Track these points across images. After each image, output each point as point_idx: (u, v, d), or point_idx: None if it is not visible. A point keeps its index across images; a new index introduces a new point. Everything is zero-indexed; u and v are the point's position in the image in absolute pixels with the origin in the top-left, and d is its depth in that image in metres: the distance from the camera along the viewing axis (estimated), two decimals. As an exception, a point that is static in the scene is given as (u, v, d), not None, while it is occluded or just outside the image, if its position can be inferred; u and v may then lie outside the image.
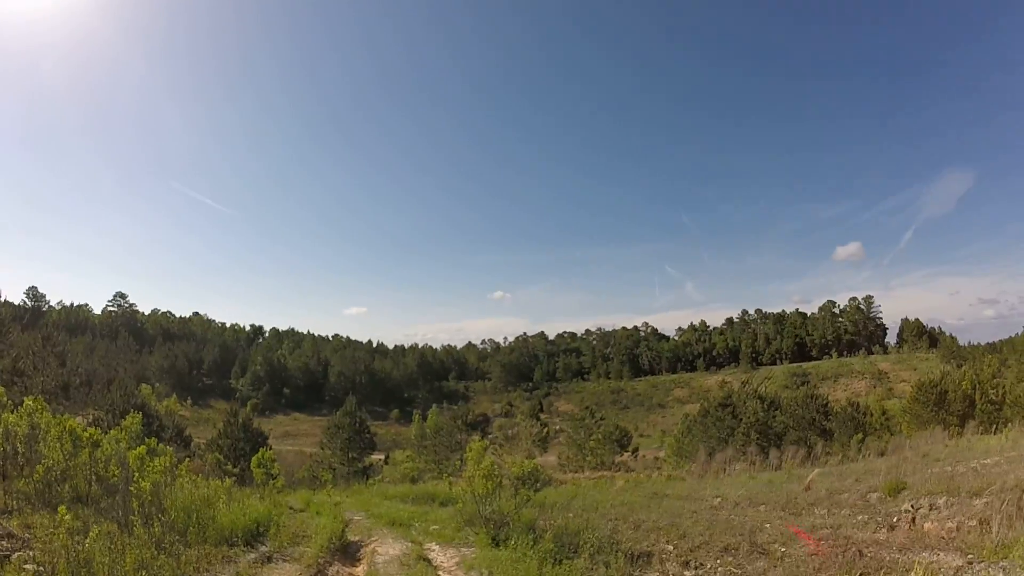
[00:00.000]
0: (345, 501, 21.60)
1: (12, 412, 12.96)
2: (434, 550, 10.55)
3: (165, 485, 11.53)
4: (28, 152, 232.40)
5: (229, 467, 26.63)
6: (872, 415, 38.17)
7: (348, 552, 11.12)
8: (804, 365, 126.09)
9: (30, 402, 13.13)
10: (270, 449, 40.39)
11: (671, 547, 10.23)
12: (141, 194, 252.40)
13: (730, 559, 9.56)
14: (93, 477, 11.73)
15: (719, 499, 15.65)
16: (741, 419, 39.96)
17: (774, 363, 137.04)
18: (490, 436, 53.93)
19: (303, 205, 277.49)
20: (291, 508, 17.26)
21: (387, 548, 10.65)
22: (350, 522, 15.13)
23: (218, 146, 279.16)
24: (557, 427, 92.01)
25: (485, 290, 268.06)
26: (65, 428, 12.40)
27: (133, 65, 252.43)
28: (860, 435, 32.71)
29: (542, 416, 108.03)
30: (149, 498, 9.69)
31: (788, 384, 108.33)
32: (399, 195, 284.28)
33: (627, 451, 51.39)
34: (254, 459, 18.80)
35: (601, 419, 51.23)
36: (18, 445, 11.26)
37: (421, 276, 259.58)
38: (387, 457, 67.59)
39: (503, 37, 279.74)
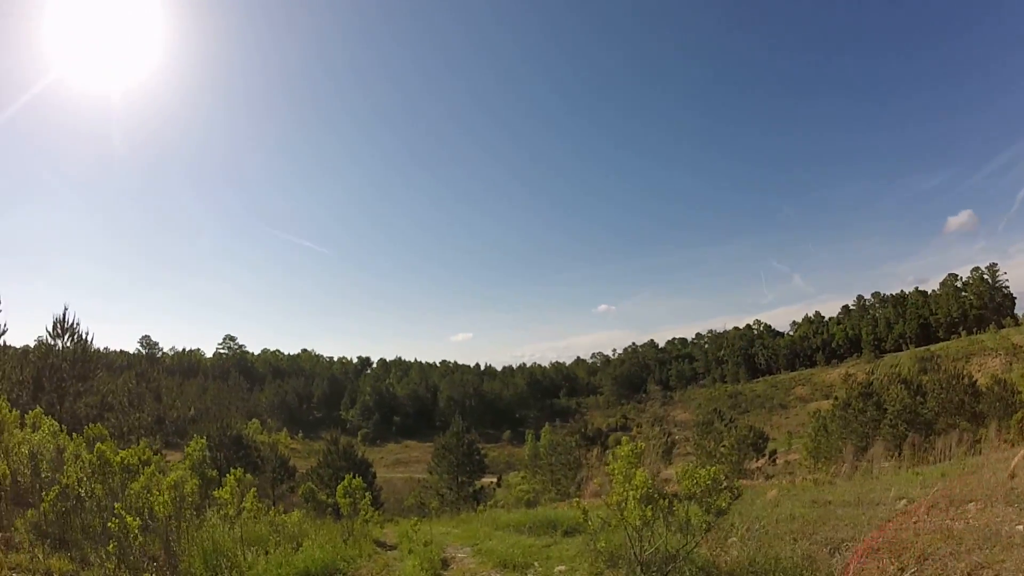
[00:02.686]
0: (450, 532, 18.27)
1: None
2: (565, 610, 6.92)
3: (193, 522, 8.63)
4: (141, 212, 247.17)
5: (323, 497, 24.04)
6: (1021, 393, 32.67)
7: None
8: (931, 347, 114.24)
9: (53, 423, 10.78)
10: (374, 476, 38.01)
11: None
12: (244, 243, 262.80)
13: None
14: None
15: (904, 501, 11.68)
16: (886, 409, 34.70)
17: (899, 349, 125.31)
18: (608, 451, 49.69)
19: (397, 239, 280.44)
20: (380, 545, 14.01)
21: (495, 610, 7.09)
22: (451, 562, 11.70)
23: (309, 192, 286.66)
24: (675, 437, 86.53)
25: (589, 305, 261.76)
26: (94, 451, 9.79)
27: (223, 126, 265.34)
28: (1020, 414, 27.51)
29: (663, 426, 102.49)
30: (138, 539, 6.63)
31: (917, 370, 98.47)
32: (492, 222, 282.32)
33: (763, 455, 45.94)
34: (339, 487, 15.68)
35: (731, 421, 46.06)
36: (41, 469, 9.57)
37: (524, 297, 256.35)
38: (500, 480, 64.43)
39: (571, 38, 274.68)
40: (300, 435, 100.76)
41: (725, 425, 45.23)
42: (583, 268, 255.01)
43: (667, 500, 6.04)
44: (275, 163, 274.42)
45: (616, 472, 6.34)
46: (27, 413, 17.96)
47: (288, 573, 6.97)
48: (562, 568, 9.04)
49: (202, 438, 16.43)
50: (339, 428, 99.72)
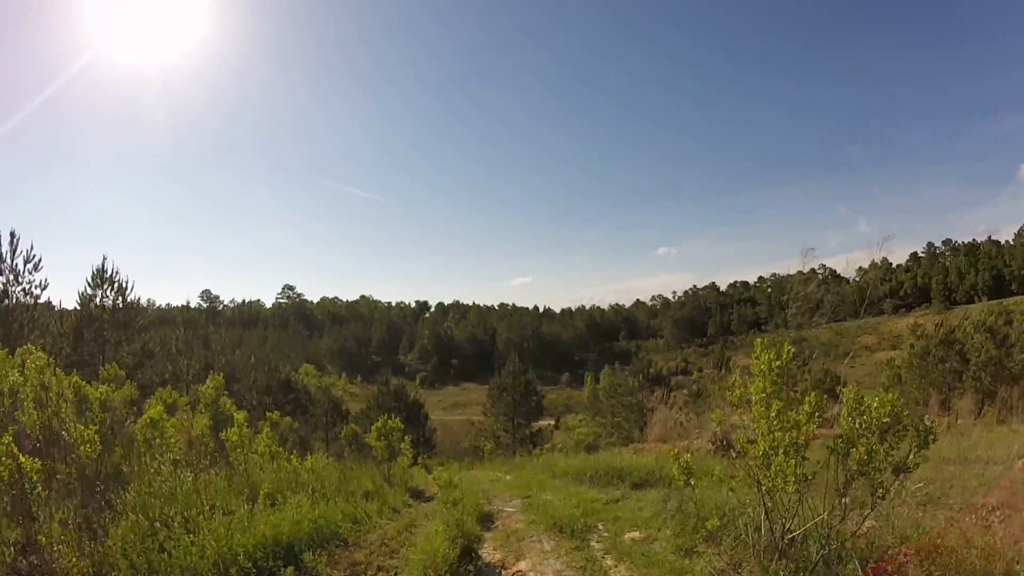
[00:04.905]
0: (500, 479, 16.29)
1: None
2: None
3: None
4: (199, 171, 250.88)
5: (368, 440, 22.34)
6: (1103, 354, 29.28)
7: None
8: (1005, 301, 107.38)
9: (36, 351, 8.90)
10: (426, 418, 36.58)
11: None
12: (299, 195, 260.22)
13: None
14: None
15: (1023, 460, 9.61)
16: (969, 360, 31.18)
17: (970, 301, 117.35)
18: (673, 392, 47.33)
19: (454, 185, 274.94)
20: (416, 496, 12.06)
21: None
22: (496, 517, 9.60)
23: (364, 141, 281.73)
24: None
25: (649, 247, 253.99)
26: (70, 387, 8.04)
27: (273, 84, 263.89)
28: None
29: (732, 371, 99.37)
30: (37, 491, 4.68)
31: (1002, 321, 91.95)
32: (549, 165, 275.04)
33: (840, 402, 42.77)
34: (374, 428, 13.90)
35: (804, 363, 42.97)
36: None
37: (583, 241, 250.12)
38: (558, 422, 62.92)
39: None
40: (359, 379, 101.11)
41: (798, 367, 42.17)
42: (643, 210, 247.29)
43: (861, 450, 3.63)
44: (326, 114, 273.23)
45: (755, 399, 3.95)
46: (70, 365, 16.84)
47: (243, 544, 4.85)
48: (635, 535, 6.77)
49: (219, 375, 14.79)
50: (398, 372, 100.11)
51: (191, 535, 4.78)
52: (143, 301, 30.63)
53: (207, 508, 5.44)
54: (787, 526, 3.91)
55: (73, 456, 5.52)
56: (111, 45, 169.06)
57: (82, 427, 5.68)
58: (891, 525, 5.07)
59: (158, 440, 8.09)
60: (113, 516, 5.42)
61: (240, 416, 11.87)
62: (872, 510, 4.08)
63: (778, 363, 4.02)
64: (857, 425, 3.80)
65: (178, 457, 8.18)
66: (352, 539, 6.43)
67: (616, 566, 5.90)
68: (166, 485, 5.88)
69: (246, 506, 6.07)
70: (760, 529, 4.18)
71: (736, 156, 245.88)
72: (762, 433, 3.86)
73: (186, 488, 5.89)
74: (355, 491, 9.06)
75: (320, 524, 6.13)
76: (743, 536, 4.82)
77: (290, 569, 4.80)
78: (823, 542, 4.01)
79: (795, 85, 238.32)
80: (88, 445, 5.66)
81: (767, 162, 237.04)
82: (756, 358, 4.19)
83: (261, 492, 6.80)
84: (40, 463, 5.46)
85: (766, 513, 4.02)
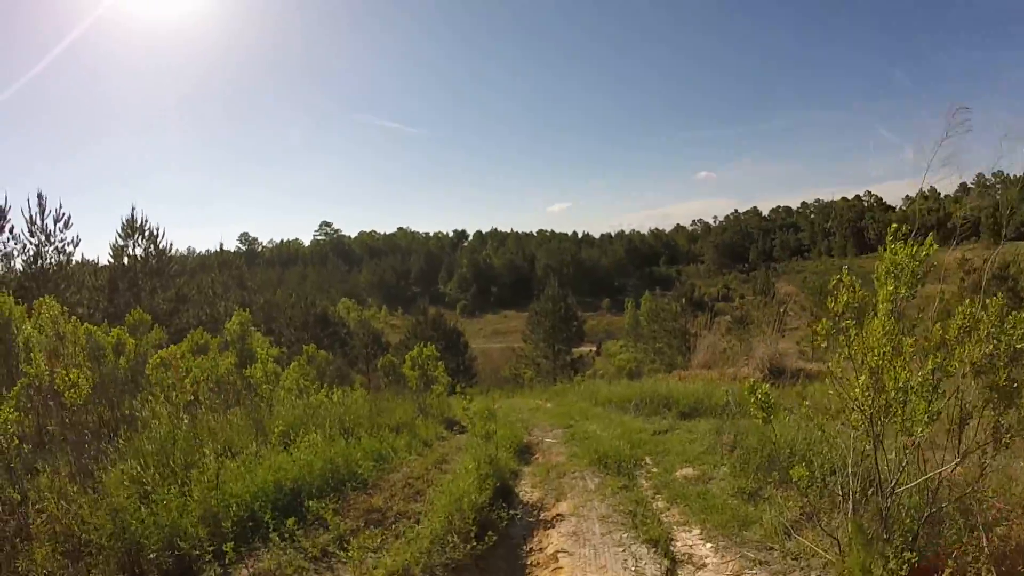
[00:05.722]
0: (540, 407, 15.74)
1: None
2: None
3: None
4: (230, 116, 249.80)
5: (405, 370, 21.90)
6: None
7: (501, 550, 4.77)
8: None
9: (50, 301, 8.48)
10: (466, 346, 36.25)
11: None
12: (332, 132, 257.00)
13: None
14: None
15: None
16: (1023, 297, 29.37)
17: (1020, 238, 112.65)
18: (716, 319, 46.28)
19: (487, 113, 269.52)
20: (451, 427, 11.49)
21: (585, 560, 4.15)
22: (535, 449, 8.99)
23: (395, 74, 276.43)
24: (781, 310, 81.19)
25: (689, 171, 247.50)
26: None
27: (298, 25, 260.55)
28: None
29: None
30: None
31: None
32: (584, 89, 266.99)
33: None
34: (408, 357, 13.15)
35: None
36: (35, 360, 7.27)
37: (622, 163, 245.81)
38: (599, 348, 62.50)
39: None
40: (399, 311, 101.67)
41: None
42: (682, 133, 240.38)
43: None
44: (358, 49, 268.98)
45: (881, 308, 3.08)
46: (107, 317, 16.65)
47: (237, 493, 4.23)
48: (688, 473, 6.04)
49: (246, 311, 14.31)
50: (437, 302, 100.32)
51: (179, 485, 4.16)
52: (182, 250, 30.55)
53: (206, 452, 4.82)
54: (898, 477, 3.10)
55: (50, 404, 4.97)
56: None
57: (63, 371, 5.07)
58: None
59: (168, 381, 7.58)
60: (104, 467, 4.87)
61: (268, 352, 11.38)
62: (993, 457, 3.23)
63: (917, 262, 3.11)
64: (993, 349, 2.90)
65: (189, 398, 7.68)
66: (373, 480, 5.81)
67: (669, 508, 5.20)
68: (162, 429, 5.26)
69: (254, 447, 5.47)
70: (852, 477, 3.36)
71: (777, 77, 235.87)
72: (885, 355, 2.98)
73: (185, 431, 5.27)
74: (384, 424, 8.48)
75: (336, 464, 5.52)
76: (820, 482, 4.03)
77: (291, 520, 4.17)
78: (931, 496, 3.19)
79: (840, 5, 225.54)
80: (73, 390, 5.04)
81: (809, 84, 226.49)
82: (891, 252, 3.27)
83: (275, 430, 6.20)
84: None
85: (871, 459, 3.19)
